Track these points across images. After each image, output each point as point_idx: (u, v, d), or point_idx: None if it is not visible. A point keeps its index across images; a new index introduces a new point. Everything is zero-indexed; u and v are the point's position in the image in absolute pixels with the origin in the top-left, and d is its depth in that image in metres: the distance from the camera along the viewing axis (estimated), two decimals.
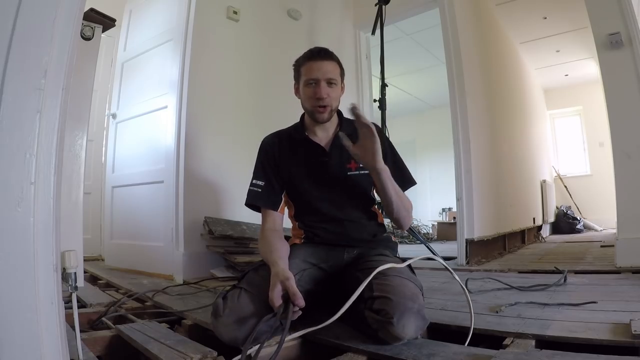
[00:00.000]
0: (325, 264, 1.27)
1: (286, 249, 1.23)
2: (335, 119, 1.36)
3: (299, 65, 1.31)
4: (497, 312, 1.21)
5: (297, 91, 1.35)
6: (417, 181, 1.39)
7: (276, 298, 0.99)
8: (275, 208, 1.32)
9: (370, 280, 1.04)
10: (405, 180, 1.36)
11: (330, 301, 1.18)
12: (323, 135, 1.35)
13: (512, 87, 4.35)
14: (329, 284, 1.27)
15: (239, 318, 1.00)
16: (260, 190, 1.32)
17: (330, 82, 1.26)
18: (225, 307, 1.02)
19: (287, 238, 1.33)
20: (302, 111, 1.38)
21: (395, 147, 1.42)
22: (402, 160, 1.41)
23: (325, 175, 1.31)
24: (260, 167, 1.35)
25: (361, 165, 1.30)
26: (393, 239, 1.41)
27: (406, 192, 1.38)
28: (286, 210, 1.42)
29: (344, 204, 1.31)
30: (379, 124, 2.51)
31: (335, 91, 1.28)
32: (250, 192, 1.33)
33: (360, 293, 1.01)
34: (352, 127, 1.34)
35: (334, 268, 1.27)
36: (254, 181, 1.34)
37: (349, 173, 1.30)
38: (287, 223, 1.63)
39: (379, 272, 1.06)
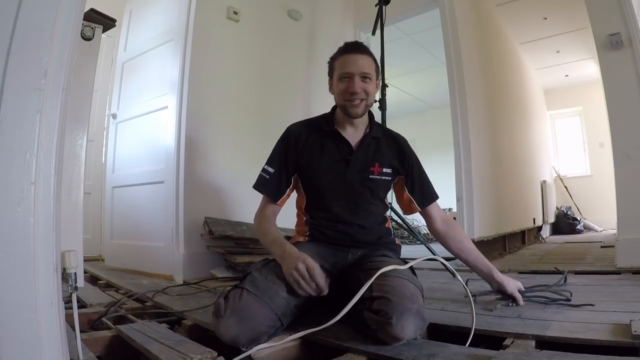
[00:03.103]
0: (329, 264, 1.27)
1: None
2: (365, 119, 1.35)
3: (333, 60, 1.31)
4: (491, 310, 1.23)
5: (331, 87, 1.35)
6: None
7: (323, 281, 1.07)
8: (276, 200, 1.33)
9: (364, 278, 1.05)
10: (428, 196, 1.39)
11: (331, 301, 1.18)
12: (353, 132, 1.34)
13: (512, 87, 4.34)
14: (331, 283, 1.27)
15: (240, 318, 0.99)
16: (268, 177, 1.32)
17: (364, 77, 1.24)
18: (227, 307, 1.01)
19: (287, 238, 1.33)
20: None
21: None
22: (426, 174, 1.43)
23: (347, 174, 1.30)
24: (277, 154, 1.34)
25: (384, 170, 1.31)
26: (397, 242, 1.41)
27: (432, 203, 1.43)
28: (293, 202, 1.42)
29: (358, 207, 1.30)
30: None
31: (370, 86, 1.26)
32: (259, 177, 1.34)
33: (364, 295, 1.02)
34: (381, 130, 1.38)
35: (337, 268, 1.27)
36: (265, 166, 1.34)
37: (370, 176, 1.30)
38: (287, 222, 1.63)
39: (370, 272, 1.07)
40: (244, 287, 1.05)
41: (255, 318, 1.00)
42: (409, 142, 1.44)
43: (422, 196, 1.39)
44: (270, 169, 1.32)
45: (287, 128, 1.38)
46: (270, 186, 1.32)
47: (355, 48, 1.26)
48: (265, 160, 1.36)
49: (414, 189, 1.38)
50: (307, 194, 1.35)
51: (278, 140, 1.37)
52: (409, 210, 1.42)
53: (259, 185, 1.34)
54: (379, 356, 0.92)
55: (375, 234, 1.34)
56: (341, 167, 1.30)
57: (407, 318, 0.94)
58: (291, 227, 1.49)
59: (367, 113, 1.34)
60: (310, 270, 1.05)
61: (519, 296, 1.28)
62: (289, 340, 1.02)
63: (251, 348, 0.98)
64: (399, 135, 1.43)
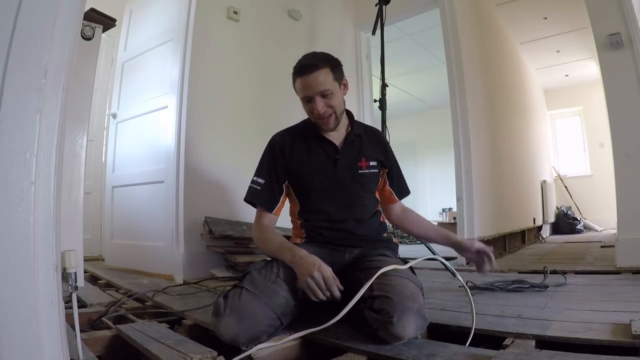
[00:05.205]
0: (326, 263, 1.27)
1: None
2: (345, 120, 1.38)
3: (293, 80, 1.29)
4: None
5: None
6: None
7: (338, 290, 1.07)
8: (271, 209, 1.32)
9: (365, 277, 1.05)
10: (404, 189, 1.47)
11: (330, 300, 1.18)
12: (336, 134, 1.35)
13: (512, 87, 4.34)
14: None
15: (239, 317, 0.99)
16: (259, 188, 1.32)
17: (324, 95, 1.23)
18: (226, 307, 1.02)
19: (287, 237, 1.33)
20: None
21: (395, 147, 1.46)
22: (400, 169, 1.48)
23: (336, 172, 1.31)
24: (265, 165, 1.35)
25: (370, 164, 1.34)
26: (394, 240, 1.41)
27: (406, 197, 1.49)
28: (286, 208, 1.43)
29: (352, 203, 1.32)
30: (380, 125, 2.51)
31: (333, 99, 1.25)
32: (250, 189, 1.34)
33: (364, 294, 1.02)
34: (362, 127, 1.42)
35: (335, 268, 1.27)
36: (255, 178, 1.34)
37: (359, 171, 1.33)
38: (286, 223, 1.64)
39: (370, 271, 1.07)
40: (243, 286, 1.06)
41: (254, 317, 1.00)
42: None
43: (400, 189, 1.45)
44: (260, 180, 1.32)
45: (271, 138, 1.39)
46: (263, 196, 1.31)
47: (306, 69, 1.22)
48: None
49: (394, 182, 1.44)
50: (300, 198, 1.36)
51: (264, 151, 1.38)
52: (388, 201, 1.45)
53: (250, 196, 1.33)
54: (379, 356, 0.92)
55: (371, 227, 1.35)
56: (330, 167, 1.32)
57: (409, 317, 0.94)
58: (289, 226, 1.49)
59: (345, 113, 1.37)
60: (327, 280, 1.05)
61: (485, 248, 1.32)
62: (289, 340, 1.02)
63: (251, 347, 0.98)
64: (377, 129, 1.48)
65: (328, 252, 1.28)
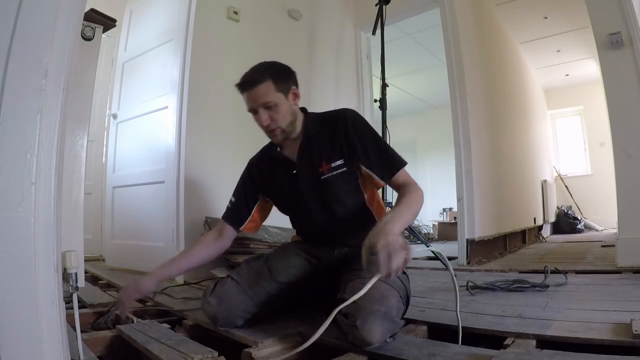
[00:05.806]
0: (315, 258, 1.30)
1: (185, 263, 1.33)
2: (299, 126, 1.29)
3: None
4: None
5: None
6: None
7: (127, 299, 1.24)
8: (235, 224, 1.36)
9: (345, 282, 1.05)
10: (394, 164, 1.20)
11: (322, 296, 1.19)
12: (292, 145, 1.30)
13: (512, 87, 4.34)
14: (321, 279, 1.28)
15: (219, 301, 1.15)
16: (230, 206, 1.39)
17: (267, 106, 1.20)
18: (213, 291, 1.18)
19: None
20: None
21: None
22: (385, 143, 1.29)
23: (300, 189, 1.27)
24: (239, 185, 1.42)
25: (333, 165, 1.22)
26: None
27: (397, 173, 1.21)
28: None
29: (328, 210, 1.26)
30: (380, 124, 2.51)
31: (277, 111, 1.21)
32: (226, 208, 1.41)
33: (337, 296, 1.02)
34: (318, 123, 1.29)
35: (324, 263, 1.30)
36: (231, 197, 1.41)
37: (322, 177, 1.23)
38: (285, 223, 1.66)
39: (355, 273, 1.05)
40: (230, 275, 1.22)
41: (231, 302, 1.15)
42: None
43: (383, 167, 1.21)
44: (233, 199, 1.40)
45: (249, 161, 1.45)
46: (230, 212, 1.38)
47: (247, 85, 1.22)
48: None
49: (371, 161, 1.21)
50: (284, 213, 1.43)
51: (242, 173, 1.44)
52: (377, 186, 1.29)
53: (224, 214, 1.39)
54: (379, 356, 0.91)
55: (359, 227, 1.21)
56: (293, 186, 1.29)
57: (374, 321, 0.90)
58: (289, 226, 1.53)
59: (299, 116, 1.29)
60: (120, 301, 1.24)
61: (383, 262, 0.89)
62: (295, 353, 0.97)
63: (227, 327, 1.14)
64: (336, 116, 1.28)
65: (317, 247, 1.33)
